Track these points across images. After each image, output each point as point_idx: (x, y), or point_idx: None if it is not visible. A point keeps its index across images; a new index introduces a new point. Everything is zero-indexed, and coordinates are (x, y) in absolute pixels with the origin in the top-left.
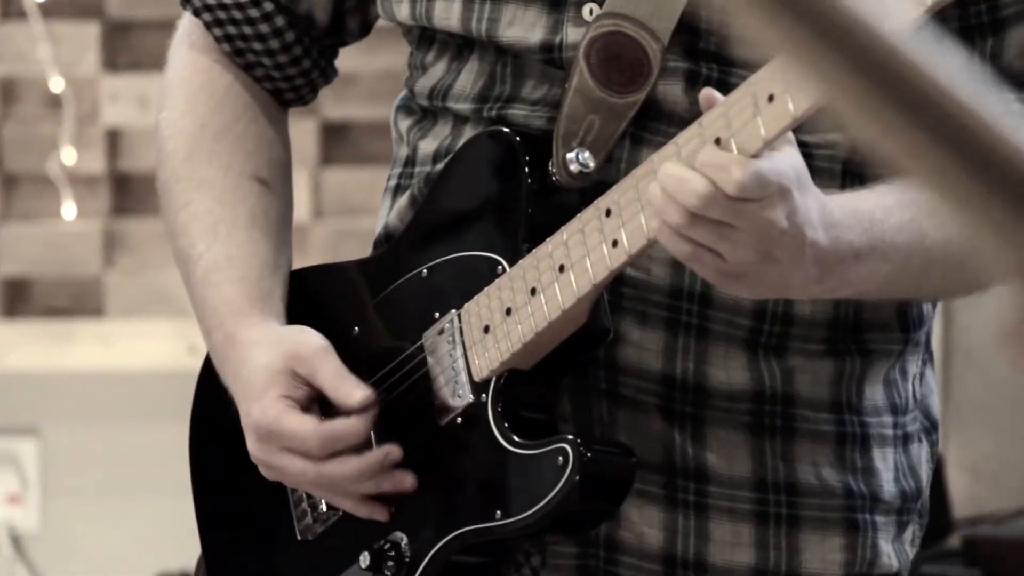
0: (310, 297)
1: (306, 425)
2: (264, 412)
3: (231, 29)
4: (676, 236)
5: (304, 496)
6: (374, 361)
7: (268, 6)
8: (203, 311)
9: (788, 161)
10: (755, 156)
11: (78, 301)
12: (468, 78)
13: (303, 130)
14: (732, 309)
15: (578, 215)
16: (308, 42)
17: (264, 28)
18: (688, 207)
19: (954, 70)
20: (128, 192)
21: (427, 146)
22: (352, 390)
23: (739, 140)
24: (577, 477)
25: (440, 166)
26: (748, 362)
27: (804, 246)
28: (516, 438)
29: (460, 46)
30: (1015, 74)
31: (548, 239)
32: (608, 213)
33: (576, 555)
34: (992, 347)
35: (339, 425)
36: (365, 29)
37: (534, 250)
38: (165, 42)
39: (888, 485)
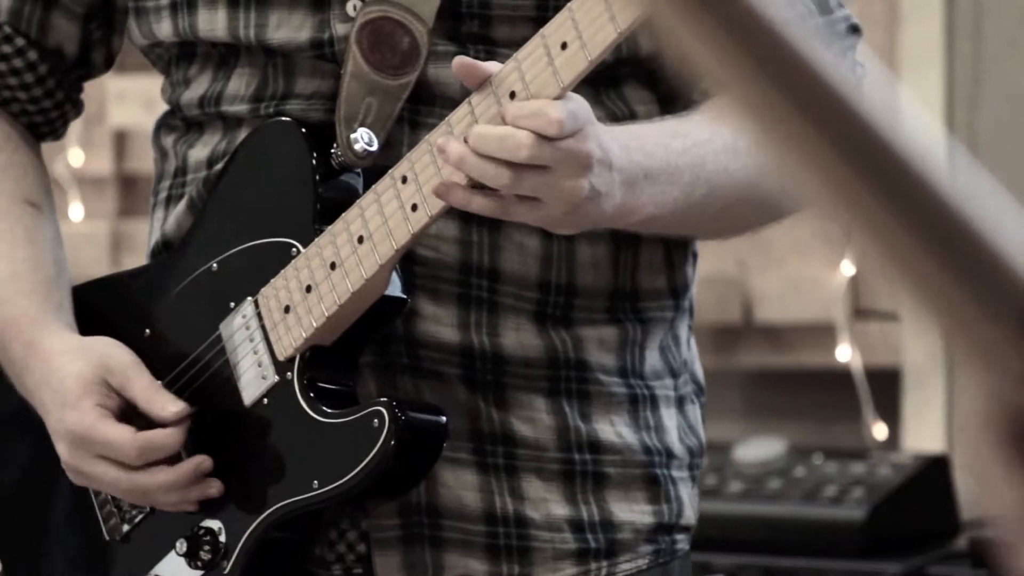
0: (95, 309)
1: (123, 434)
2: (80, 419)
3: None
4: (489, 198)
5: (109, 497)
6: (170, 359)
7: (20, 42)
8: None
9: (579, 98)
10: (556, 99)
11: None
12: (240, 81)
13: None
14: (519, 282)
15: (372, 187)
16: (60, 75)
17: (18, 63)
18: (518, 159)
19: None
20: (135, 193)
21: (198, 153)
22: (166, 403)
23: (534, 89)
24: (392, 439)
25: (219, 167)
26: (538, 332)
27: (613, 170)
28: (327, 408)
29: (224, 55)
30: None
31: (343, 215)
32: (404, 180)
33: (400, 525)
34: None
35: (156, 436)
36: (109, 61)
37: (328, 227)
38: None
39: (676, 443)
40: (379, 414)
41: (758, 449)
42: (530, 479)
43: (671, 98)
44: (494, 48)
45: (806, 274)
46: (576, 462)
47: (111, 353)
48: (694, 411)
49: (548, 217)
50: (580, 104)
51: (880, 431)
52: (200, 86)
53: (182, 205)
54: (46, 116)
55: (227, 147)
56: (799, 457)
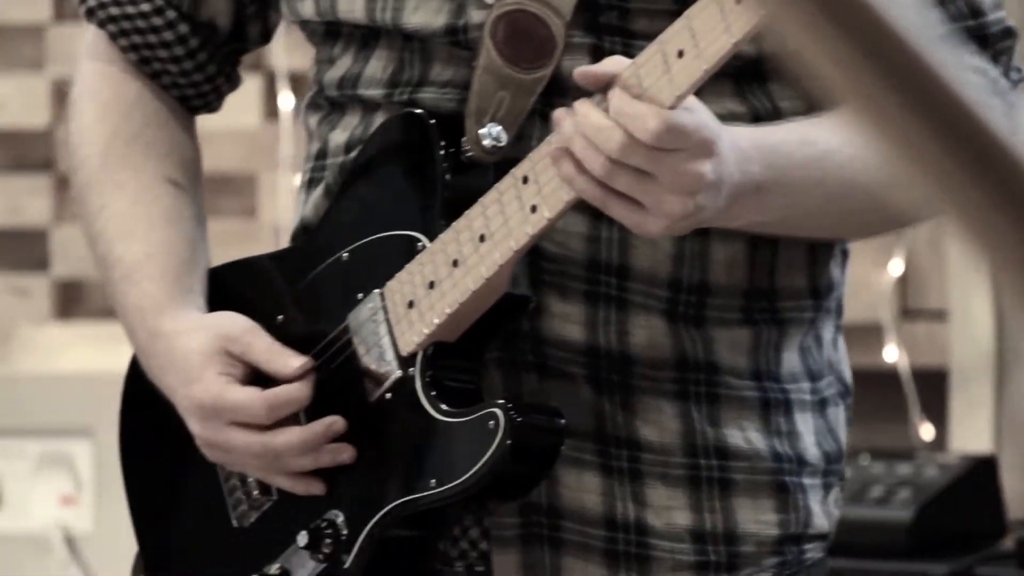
0: (230, 292)
1: (251, 394)
2: (206, 390)
3: (136, 39)
4: (593, 184)
5: (238, 484)
6: (300, 346)
7: (171, 14)
8: (125, 310)
9: (706, 112)
10: (671, 108)
11: None
12: (377, 65)
13: None
14: (649, 280)
15: (495, 186)
16: (212, 48)
17: (168, 36)
18: (607, 153)
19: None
20: None
21: (338, 137)
22: (288, 359)
23: (651, 95)
24: (509, 440)
25: (353, 154)
26: (669, 331)
27: (722, 187)
28: (445, 407)
29: (366, 36)
30: None
31: (466, 212)
32: (525, 180)
33: (520, 524)
34: None
35: (283, 391)
36: (266, 35)
37: (453, 224)
38: None
39: (811, 448)
40: (495, 415)
41: None
42: (654, 485)
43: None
44: (631, 40)
45: (853, 274)
46: (702, 467)
47: (228, 322)
48: (836, 413)
49: (643, 223)
50: (698, 121)
51: (927, 432)
52: (342, 66)
53: (320, 190)
54: (198, 89)
55: (363, 133)
56: (846, 458)
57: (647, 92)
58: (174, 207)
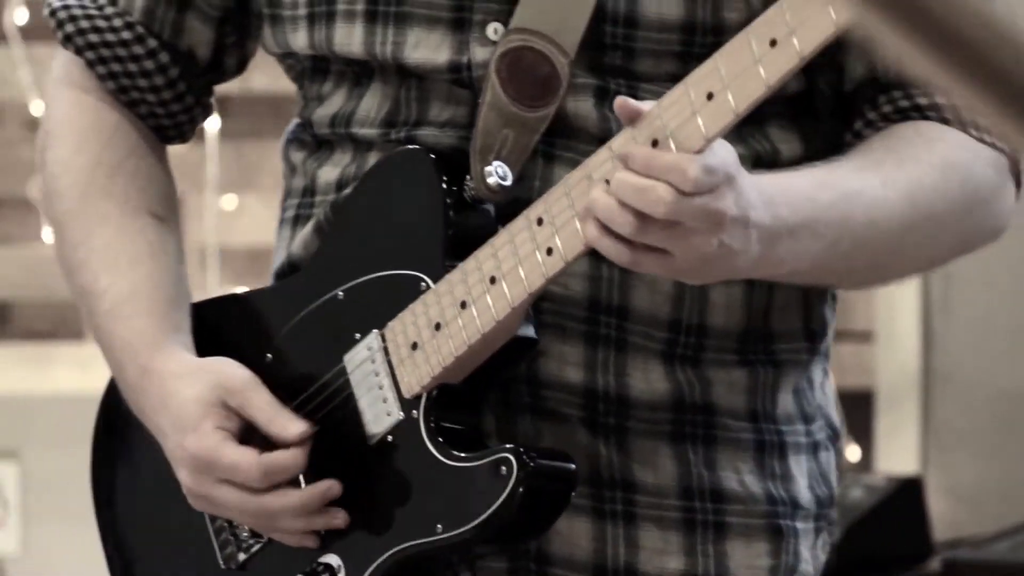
0: (216, 328)
1: (247, 456)
2: (201, 444)
3: (116, 67)
4: (619, 244)
5: (226, 524)
6: (291, 387)
7: (152, 43)
8: (111, 344)
9: (726, 147)
10: (698, 153)
11: (59, 325)
12: (372, 103)
13: None
14: (649, 321)
15: (506, 227)
16: (190, 78)
17: (149, 65)
18: (656, 215)
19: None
20: None
21: (328, 174)
22: (288, 423)
23: (678, 139)
24: (521, 487)
25: (348, 191)
26: (666, 373)
27: (749, 227)
28: (454, 451)
29: (358, 74)
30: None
31: (475, 252)
32: (540, 222)
33: (507, 570)
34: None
35: (280, 457)
36: (241, 66)
37: (461, 264)
38: None
39: (804, 492)
40: (507, 461)
41: None
42: (648, 528)
43: (814, 137)
44: (635, 83)
45: None
46: (697, 510)
47: (229, 373)
48: (828, 458)
49: (677, 270)
50: (721, 157)
51: (853, 453)
52: (333, 104)
53: (309, 227)
54: (174, 119)
55: (356, 171)
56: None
57: (674, 136)
58: (158, 241)
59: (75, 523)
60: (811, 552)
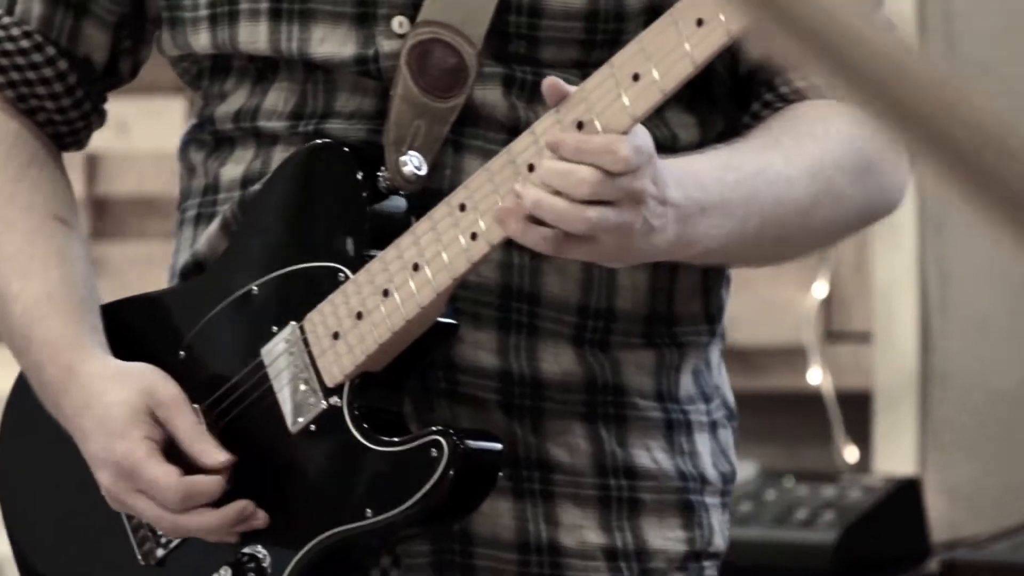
0: (126, 328)
1: (169, 477)
2: (129, 452)
3: (15, 75)
4: (543, 235)
5: (143, 521)
6: (207, 383)
7: (51, 50)
8: (27, 347)
9: (643, 128)
10: (624, 134)
11: None
12: (278, 97)
13: None
14: (559, 307)
15: (427, 215)
16: (88, 84)
17: (48, 72)
18: (580, 196)
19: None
20: (107, 216)
21: (231, 171)
22: (211, 451)
23: (604, 120)
24: (452, 469)
25: (257, 187)
26: (577, 356)
27: (667, 206)
28: (381, 437)
29: (261, 69)
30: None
31: (395, 241)
32: (463, 208)
33: (431, 551)
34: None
35: (198, 483)
36: (134, 71)
37: (380, 254)
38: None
39: (710, 468)
40: (437, 443)
41: None
42: (566, 505)
43: (711, 121)
44: (540, 69)
45: (777, 297)
46: (612, 488)
47: (158, 385)
48: (726, 436)
49: (601, 253)
50: (644, 138)
51: (851, 454)
52: (237, 100)
53: (215, 225)
54: (72, 126)
55: (262, 166)
56: (770, 480)
57: (599, 117)
58: (66, 245)
59: None
60: (720, 526)
